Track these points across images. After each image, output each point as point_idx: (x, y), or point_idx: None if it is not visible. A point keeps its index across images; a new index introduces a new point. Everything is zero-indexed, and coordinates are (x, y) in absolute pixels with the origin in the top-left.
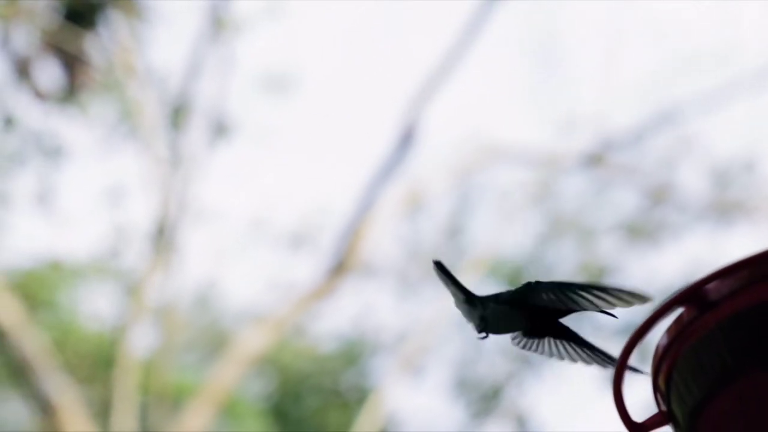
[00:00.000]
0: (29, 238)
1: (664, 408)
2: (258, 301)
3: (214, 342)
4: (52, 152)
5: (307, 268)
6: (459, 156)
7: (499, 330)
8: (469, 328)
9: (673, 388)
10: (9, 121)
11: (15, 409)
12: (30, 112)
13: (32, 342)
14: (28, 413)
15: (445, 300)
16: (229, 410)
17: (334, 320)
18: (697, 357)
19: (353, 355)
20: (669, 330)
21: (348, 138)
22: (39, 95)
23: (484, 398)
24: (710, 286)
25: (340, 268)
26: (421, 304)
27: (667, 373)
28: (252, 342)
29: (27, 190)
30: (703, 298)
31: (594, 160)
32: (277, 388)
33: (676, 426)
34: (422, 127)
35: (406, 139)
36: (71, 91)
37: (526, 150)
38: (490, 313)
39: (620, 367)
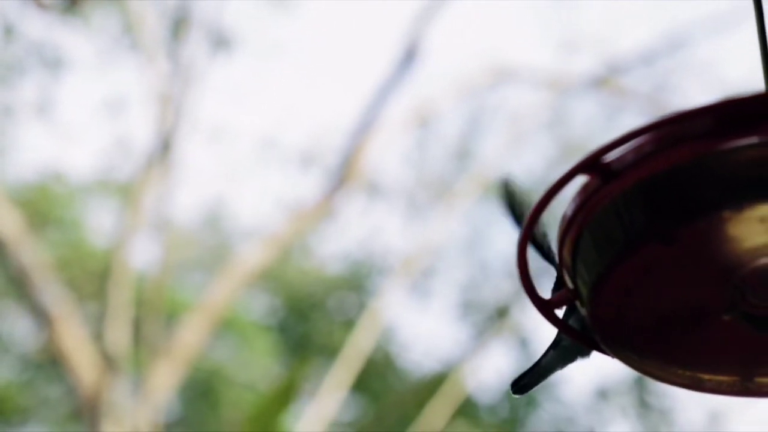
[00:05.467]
0: (31, 151)
1: (570, 284)
2: (266, 220)
3: (221, 261)
4: (53, 63)
5: (314, 187)
6: (465, 75)
7: None
8: (474, 250)
9: (578, 262)
10: (9, 32)
11: (16, 320)
12: (31, 23)
13: (31, 254)
14: (28, 325)
15: (452, 222)
16: (231, 326)
17: (342, 242)
18: (600, 228)
19: (360, 276)
20: (573, 200)
21: (354, 55)
22: (40, 5)
23: (488, 320)
24: (614, 153)
25: (341, 184)
26: (429, 226)
27: (572, 246)
28: (251, 258)
29: (28, 101)
30: (607, 167)
31: (600, 82)
32: (282, 306)
33: (581, 302)
34: (426, 45)
35: (409, 57)
36: (73, 2)
37: (533, 71)
38: None
39: (523, 239)
